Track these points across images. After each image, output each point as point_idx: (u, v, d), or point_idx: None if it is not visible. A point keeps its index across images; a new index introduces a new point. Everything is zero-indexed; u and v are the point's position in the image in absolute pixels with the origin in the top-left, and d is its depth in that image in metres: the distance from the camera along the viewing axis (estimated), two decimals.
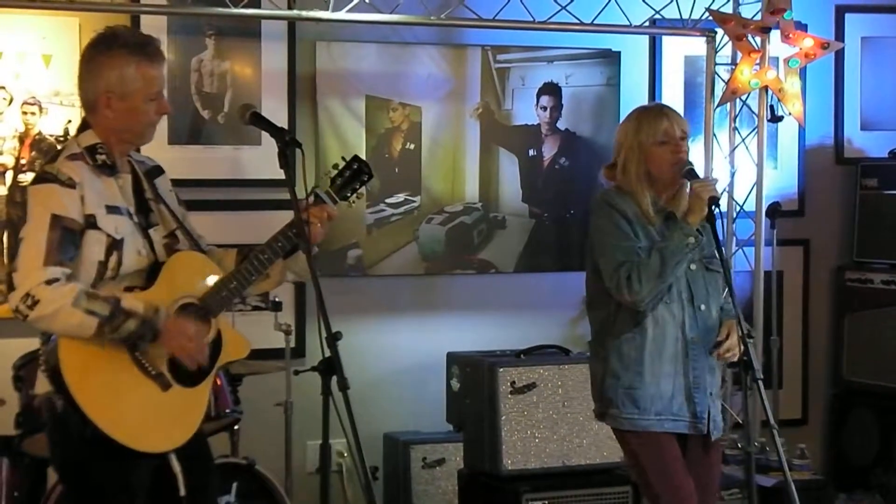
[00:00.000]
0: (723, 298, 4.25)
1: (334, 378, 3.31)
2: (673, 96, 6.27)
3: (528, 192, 6.19)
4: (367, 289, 6.01)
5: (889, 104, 6.85)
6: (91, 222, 3.45)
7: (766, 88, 5.96)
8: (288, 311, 5.53)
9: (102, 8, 5.33)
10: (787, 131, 6.59)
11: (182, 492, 3.54)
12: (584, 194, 5.93)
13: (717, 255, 4.11)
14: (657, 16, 6.03)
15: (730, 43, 6.03)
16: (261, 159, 5.67)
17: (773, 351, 6.34)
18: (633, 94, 6.18)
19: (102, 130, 3.56)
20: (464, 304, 6.17)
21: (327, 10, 5.49)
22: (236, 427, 5.09)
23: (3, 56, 5.38)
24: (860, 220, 6.67)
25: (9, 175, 5.37)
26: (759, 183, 6.08)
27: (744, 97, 6.12)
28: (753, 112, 6.13)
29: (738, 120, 6.25)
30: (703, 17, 6.03)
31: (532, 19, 5.74)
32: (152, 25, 5.45)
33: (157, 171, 3.74)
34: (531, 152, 6.20)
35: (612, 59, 6.30)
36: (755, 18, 5.92)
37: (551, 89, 6.20)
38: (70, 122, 5.40)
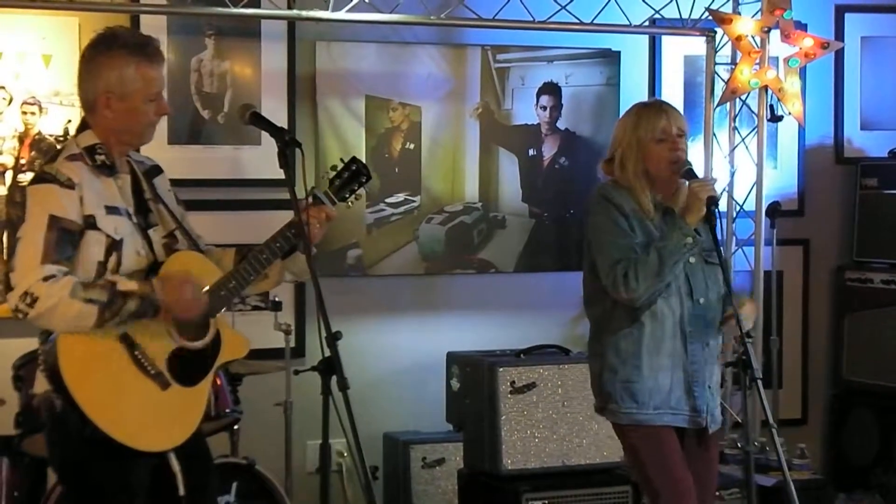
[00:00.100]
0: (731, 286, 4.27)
1: (334, 378, 3.31)
2: (673, 96, 6.26)
3: (527, 191, 6.19)
4: (367, 289, 6.01)
5: (889, 104, 6.85)
6: (90, 223, 3.46)
7: (765, 88, 5.96)
8: (288, 310, 5.53)
9: (102, 8, 5.33)
10: (787, 131, 6.59)
11: (181, 491, 3.54)
12: (584, 194, 5.84)
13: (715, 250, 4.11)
14: (657, 15, 6.03)
15: (729, 42, 6.03)
16: (261, 159, 5.67)
17: (772, 351, 6.34)
18: (633, 94, 6.17)
19: (102, 131, 3.56)
20: (464, 303, 6.17)
21: (327, 9, 5.49)
22: (236, 427, 5.09)
23: (2, 56, 5.38)
24: (860, 220, 6.67)
25: (8, 175, 5.37)
26: (758, 183, 6.08)
27: (743, 97, 6.12)
28: (753, 112, 6.13)
29: (737, 119, 6.25)
30: (703, 17, 6.04)
31: (532, 19, 5.74)
32: (152, 25, 5.45)
33: (156, 170, 3.74)
34: (531, 152, 6.20)
35: (611, 58, 6.31)
36: (755, 18, 5.92)
37: (551, 89, 6.21)
38: (70, 122, 5.40)
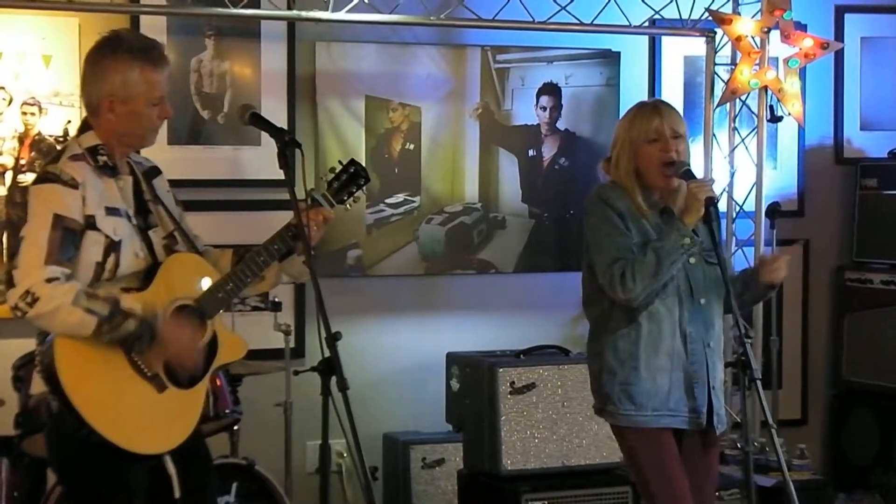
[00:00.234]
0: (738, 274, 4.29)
1: (334, 378, 3.32)
2: (672, 96, 6.26)
3: (527, 192, 6.19)
4: (367, 289, 6.01)
5: (889, 104, 6.85)
6: (90, 223, 3.46)
7: (765, 88, 5.96)
8: (287, 311, 5.53)
9: (102, 8, 5.34)
10: (787, 131, 6.59)
11: (177, 493, 3.54)
12: (584, 194, 5.82)
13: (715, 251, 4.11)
14: (657, 16, 6.03)
15: (729, 43, 6.04)
16: (260, 160, 5.67)
17: (772, 351, 6.34)
18: (633, 95, 6.16)
19: (104, 133, 3.57)
20: (463, 304, 6.17)
21: (327, 10, 5.49)
22: (236, 427, 5.09)
23: (2, 56, 5.38)
24: (860, 221, 6.68)
25: (8, 175, 5.37)
26: (758, 183, 6.08)
27: (743, 97, 6.13)
28: (753, 112, 6.14)
29: (737, 120, 6.25)
30: (703, 18, 6.04)
31: (532, 19, 5.74)
32: (152, 25, 5.45)
33: (155, 171, 3.75)
34: (531, 152, 6.20)
35: (611, 59, 6.31)
36: (755, 18, 5.92)
37: (551, 89, 6.21)
38: (70, 122, 5.40)
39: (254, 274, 3.63)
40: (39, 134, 5.42)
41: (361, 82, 5.91)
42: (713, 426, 4.13)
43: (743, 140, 6.23)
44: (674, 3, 6.00)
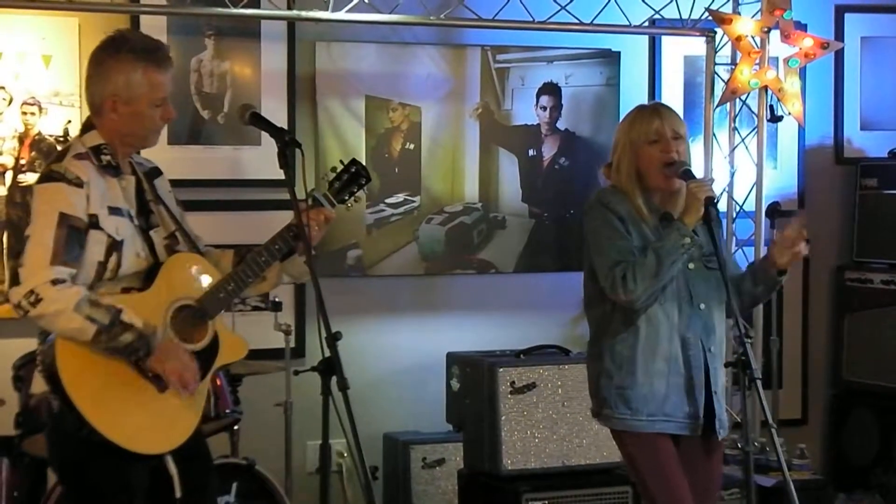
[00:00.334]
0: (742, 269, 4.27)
1: (334, 378, 3.32)
2: (673, 96, 6.27)
3: (527, 192, 6.19)
4: (367, 289, 6.01)
5: (889, 104, 6.85)
6: (93, 222, 3.47)
7: (765, 88, 5.96)
8: (288, 311, 5.53)
9: (102, 8, 5.34)
10: (787, 131, 6.59)
11: (178, 493, 3.54)
12: (584, 194, 5.91)
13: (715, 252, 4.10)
14: (657, 16, 6.03)
15: (729, 43, 6.03)
16: (260, 159, 5.67)
17: (772, 351, 6.34)
18: (633, 95, 6.18)
19: (107, 133, 3.57)
20: (464, 304, 6.17)
21: (327, 10, 5.49)
22: (236, 427, 5.09)
23: (2, 56, 5.38)
24: (860, 220, 6.67)
25: (8, 175, 5.37)
26: (758, 183, 6.08)
27: (743, 97, 6.12)
28: (753, 112, 6.13)
29: (737, 120, 6.25)
30: (703, 17, 6.04)
31: (532, 19, 5.74)
32: (152, 25, 5.45)
33: (156, 172, 3.75)
34: (531, 152, 6.20)
35: (611, 59, 6.31)
36: (755, 18, 5.92)
37: (551, 89, 6.21)
38: (70, 122, 5.40)
39: (255, 274, 3.63)
40: (39, 134, 5.42)
41: (361, 82, 5.91)
42: (715, 432, 4.13)
43: (743, 140, 6.23)
44: (674, 2, 6.00)
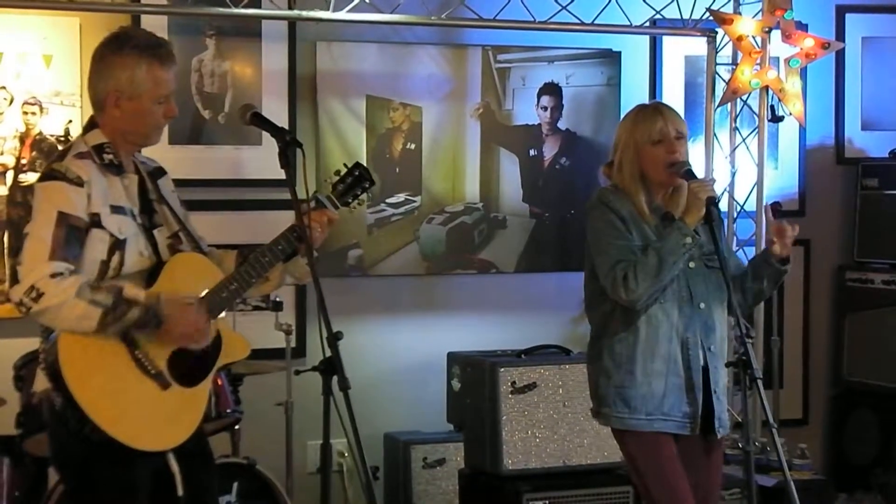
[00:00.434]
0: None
1: (335, 378, 3.31)
2: (673, 96, 6.27)
3: (528, 191, 6.20)
4: (368, 289, 6.01)
5: (890, 104, 6.85)
6: (95, 221, 3.46)
7: (766, 88, 5.96)
8: (289, 310, 5.53)
9: (103, 8, 5.34)
10: (788, 131, 6.59)
11: (180, 492, 3.54)
12: (585, 194, 5.88)
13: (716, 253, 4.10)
14: (658, 16, 6.03)
15: (730, 43, 6.04)
16: (261, 159, 5.67)
17: (773, 351, 6.35)
18: (634, 94, 6.18)
19: (109, 130, 3.57)
20: (464, 304, 6.18)
21: (328, 10, 5.49)
22: (237, 427, 5.10)
23: (3, 56, 5.38)
24: (861, 220, 6.68)
25: (9, 175, 5.37)
26: (759, 183, 6.08)
27: (744, 97, 6.13)
28: (754, 112, 6.13)
29: (738, 120, 6.25)
30: (704, 17, 6.04)
31: (533, 19, 5.74)
32: (153, 25, 5.44)
33: (160, 172, 3.75)
34: (532, 152, 6.20)
35: (612, 59, 6.31)
36: (756, 18, 5.92)
37: (552, 89, 6.21)
38: (70, 122, 5.40)
39: (258, 274, 3.63)
40: (40, 133, 5.42)
41: (362, 82, 5.91)
42: (714, 431, 4.13)
43: (744, 140, 6.23)
44: (675, 2, 6.00)
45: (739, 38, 5.88)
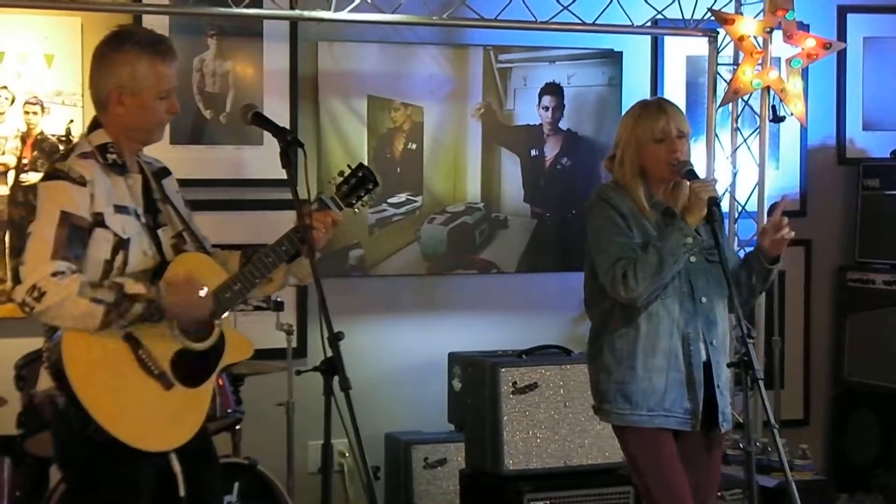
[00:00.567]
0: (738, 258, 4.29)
1: (336, 378, 3.31)
2: (675, 96, 6.25)
3: (529, 192, 6.19)
4: (369, 289, 6.01)
5: (891, 104, 6.85)
6: (99, 220, 3.47)
7: (768, 89, 5.96)
8: (290, 311, 5.54)
9: (104, 8, 5.34)
10: (789, 131, 6.59)
11: (181, 492, 3.54)
12: (586, 194, 5.84)
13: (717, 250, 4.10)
14: (659, 16, 6.03)
15: (732, 43, 6.03)
16: (263, 159, 5.67)
17: (774, 351, 6.34)
18: (635, 94, 6.16)
19: (113, 129, 3.57)
20: (465, 304, 6.17)
21: (329, 10, 5.49)
22: (238, 427, 5.10)
23: (5, 56, 5.39)
24: (862, 221, 6.67)
25: (11, 175, 5.38)
26: (760, 183, 6.08)
27: (746, 97, 6.13)
28: (755, 112, 6.13)
29: (739, 120, 6.25)
30: (705, 18, 6.04)
31: (534, 19, 5.74)
32: (154, 25, 5.42)
33: (165, 172, 3.75)
34: (533, 152, 6.20)
35: (613, 59, 6.31)
36: (757, 18, 5.92)
37: (553, 89, 6.21)
38: (72, 121, 5.40)
39: (262, 274, 3.63)
40: (42, 133, 5.42)
41: (364, 82, 5.91)
42: (717, 425, 4.12)
43: (745, 140, 6.23)
44: (676, 3, 6.00)
45: (741, 39, 5.87)
